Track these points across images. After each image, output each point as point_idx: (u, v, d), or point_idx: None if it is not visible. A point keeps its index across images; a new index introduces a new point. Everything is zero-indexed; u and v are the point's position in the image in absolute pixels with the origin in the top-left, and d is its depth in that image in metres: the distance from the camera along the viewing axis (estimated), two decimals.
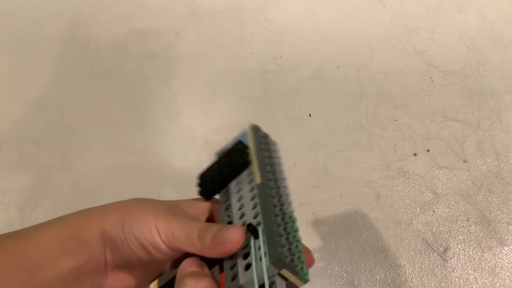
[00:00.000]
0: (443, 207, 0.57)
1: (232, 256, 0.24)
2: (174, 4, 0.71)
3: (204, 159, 0.61)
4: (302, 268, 0.23)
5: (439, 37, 0.68)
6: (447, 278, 0.54)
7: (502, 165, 0.60)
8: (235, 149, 0.30)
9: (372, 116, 0.62)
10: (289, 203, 0.29)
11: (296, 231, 0.26)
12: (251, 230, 0.24)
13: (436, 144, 0.61)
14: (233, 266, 0.24)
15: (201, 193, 0.30)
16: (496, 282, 0.54)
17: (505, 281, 0.54)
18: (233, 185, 0.29)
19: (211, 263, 0.25)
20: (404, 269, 0.54)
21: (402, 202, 0.58)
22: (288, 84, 0.64)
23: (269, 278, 0.22)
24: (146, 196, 0.32)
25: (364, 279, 0.54)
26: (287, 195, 0.29)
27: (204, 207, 0.29)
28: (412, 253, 0.55)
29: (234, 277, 0.23)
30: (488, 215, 0.57)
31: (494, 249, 0.55)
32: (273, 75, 0.65)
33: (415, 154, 0.60)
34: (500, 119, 0.62)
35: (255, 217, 0.25)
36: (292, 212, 0.28)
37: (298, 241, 0.26)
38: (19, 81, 0.66)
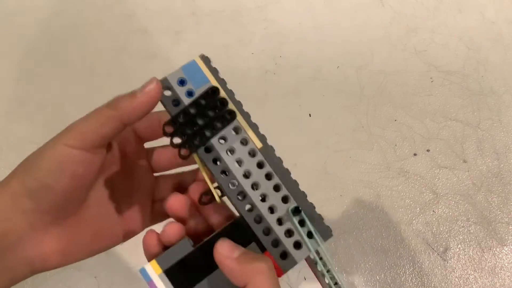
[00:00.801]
0: (443, 207, 0.57)
1: (269, 233, 0.24)
2: (174, 4, 0.71)
3: None
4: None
5: (439, 37, 0.68)
6: (447, 278, 0.54)
7: (502, 165, 0.60)
8: (215, 97, 0.24)
9: (372, 116, 0.62)
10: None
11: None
12: (295, 211, 0.24)
13: (436, 144, 0.61)
14: (276, 243, 0.24)
15: (183, 148, 0.23)
16: (496, 282, 0.54)
17: (505, 281, 0.54)
18: (217, 143, 0.24)
19: (242, 242, 0.23)
20: (404, 269, 0.54)
21: (402, 202, 0.58)
22: (288, 84, 0.64)
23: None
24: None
25: (364, 279, 0.54)
26: None
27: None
28: (412, 253, 0.55)
29: (284, 255, 0.23)
30: (488, 215, 0.57)
31: (494, 249, 0.55)
32: (273, 75, 0.65)
33: (415, 154, 0.60)
34: (500, 119, 0.62)
35: (276, 189, 0.24)
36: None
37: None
38: (19, 81, 0.66)
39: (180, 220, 0.25)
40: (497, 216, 0.57)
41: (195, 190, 0.26)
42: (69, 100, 0.64)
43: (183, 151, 0.23)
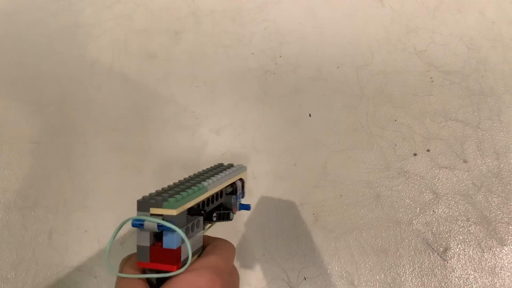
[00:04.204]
0: (443, 207, 0.57)
1: None
2: (174, 4, 0.71)
3: (204, 160, 0.61)
4: (168, 201, 0.29)
5: (439, 37, 0.68)
6: (447, 278, 0.54)
7: (502, 165, 0.60)
8: None
9: (372, 116, 0.62)
10: (211, 181, 0.38)
11: (191, 188, 0.34)
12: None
13: (436, 144, 0.61)
14: None
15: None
16: (496, 282, 0.54)
17: (505, 281, 0.54)
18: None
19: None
20: (404, 269, 0.54)
21: (402, 202, 0.58)
22: (288, 84, 0.64)
23: (145, 221, 0.30)
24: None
25: (364, 279, 0.54)
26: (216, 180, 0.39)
27: None
28: (412, 253, 0.55)
29: None
30: (488, 215, 0.57)
31: (494, 249, 0.55)
32: (273, 75, 0.65)
33: (415, 154, 0.60)
34: (500, 119, 0.62)
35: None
36: (205, 182, 0.37)
37: (186, 192, 0.33)
38: (19, 81, 0.66)
39: None
40: (497, 216, 0.57)
41: None
42: (69, 100, 0.64)
43: None
